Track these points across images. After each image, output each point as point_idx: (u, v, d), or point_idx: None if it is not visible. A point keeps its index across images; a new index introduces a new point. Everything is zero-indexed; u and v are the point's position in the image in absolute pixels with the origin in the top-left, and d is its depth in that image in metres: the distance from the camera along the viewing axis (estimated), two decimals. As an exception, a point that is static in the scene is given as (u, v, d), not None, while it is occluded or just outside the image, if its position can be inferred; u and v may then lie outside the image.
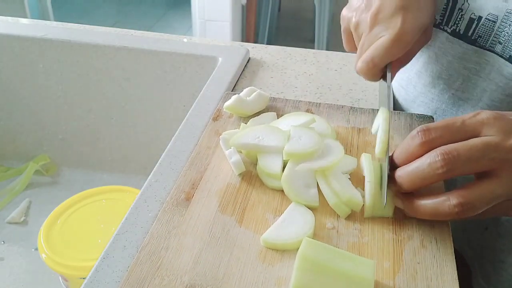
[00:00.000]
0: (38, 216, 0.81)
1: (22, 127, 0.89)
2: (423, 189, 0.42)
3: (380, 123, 0.48)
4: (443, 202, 0.39)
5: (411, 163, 0.41)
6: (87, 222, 0.68)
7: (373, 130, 0.54)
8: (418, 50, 0.52)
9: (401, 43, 0.47)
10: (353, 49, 0.54)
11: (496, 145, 0.39)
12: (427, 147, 0.41)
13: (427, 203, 0.41)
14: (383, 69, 0.50)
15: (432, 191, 0.42)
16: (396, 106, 0.70)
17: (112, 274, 0.41)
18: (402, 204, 0.43)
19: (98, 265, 0.42)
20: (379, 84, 0.58)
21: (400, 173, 0.42)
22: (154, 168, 0.52)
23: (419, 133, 0.41)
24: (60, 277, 0.67)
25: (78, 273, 0.61)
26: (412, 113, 0.58)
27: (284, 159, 0.47)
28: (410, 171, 0.41)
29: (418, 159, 0.41)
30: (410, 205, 0.42)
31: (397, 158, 0.43)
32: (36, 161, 0.88)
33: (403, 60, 0.50)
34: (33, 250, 0.75)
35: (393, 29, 0.47)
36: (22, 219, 0.80)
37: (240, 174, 0.49)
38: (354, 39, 0.53)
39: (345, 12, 0.53)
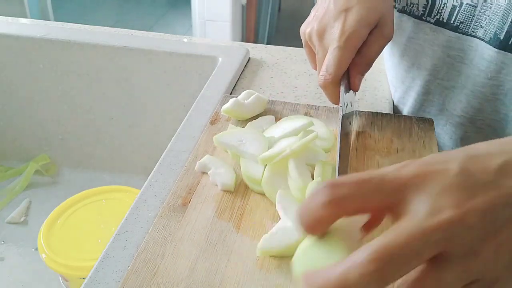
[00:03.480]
0: (38, 216, 0.81)
1: (22, 127, 0.89)
2: None
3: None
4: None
5: (336, 267, 0.27)
6: (87, 222, 0.68)
7: None
8: (377, 52, 0.50)
9: (347, 44, 0.47)
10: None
11: (432, 224, 0.26)
12: (335, 207, 0.29)
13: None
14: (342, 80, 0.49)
15: None
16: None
17: (112, 274, 0.41)
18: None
19: (98, 265, 0.42)
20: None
21: (321, 281, 0.27)
22: (154, 168, 0.52)
23: (323, 191, 0.29)
24: (60, 277, 0.67)
25: (78, 273, 0.61)
26: (411, 116, 0.58)
27: (260, 164, 0.47)
28: (334, 283, 0.26)
29: (340, 266, 0.26)
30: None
31: (301, 223, 0.30)
32: (36, 161, 0.88)
33: (361, 66, 0.50)
34: (33, 250, 0.75)
35: (336, 33, 0.47)
36: (22, 219, 0.80)
37: (236, 180, 0.48)
38: (314, 52, 0.53)
39: (303, 27, 0.53)
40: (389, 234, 0.27)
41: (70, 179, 0.88)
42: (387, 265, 0.26)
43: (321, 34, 0.49)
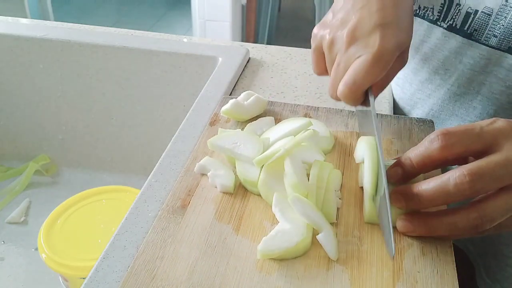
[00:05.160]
0: (38, 216, 0.81)
1: (22, 127, 0.89)
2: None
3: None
4: (462, 217, 0.39)
5: (430, 181, 0.40)
6: (87, 222, 0.68)
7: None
8: (394, 76, 0.49)
9: (382, 62, 0.44)
10: (323, 72, 0.51)
11: None
12: (447, 151, 0.40)
13: (444, 220, 0.39)
14: (365, 92, 0.47)
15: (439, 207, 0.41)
16: (393, 105, 0.70)
17: (112, 274, 0.41)
18: (412, 226, 0.41)
19: (98, 265, 0.42)
20: (357, 111, 0.54)
21: (418, 190, 0.40)
22: (154, 168, 0.52)
23: (439, 137, 0.40)
24: (60, 277, 0.67)
25: (78, 273, 0.61)
26: (411, 117, 0.58)
27: (256, 166, 0.47)
28: (431, 189, 0.39)
29: (439, 177, 0.39)
30: (424, 225, 0.40)
31: (411, 160, 0.42)
32: (36, 161, 0.88)
33: (381, 84, 0.48)
34: (33, 250, 0.75)
35: (372, 47, 0.44)
36: (22, 219, 0.80)
37: (236, 181, 0.48)
38: (326, 60, 0.49)
39: (316, 30, 0.50)
40: (482, 161, 0.38)
41: (70, 179, 0.88)
42: (478, 180, 0.37)
43: (350, 44, 0.45)
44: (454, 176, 0.38)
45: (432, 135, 0.41)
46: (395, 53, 0.45)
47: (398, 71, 0.49)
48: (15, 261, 0.73)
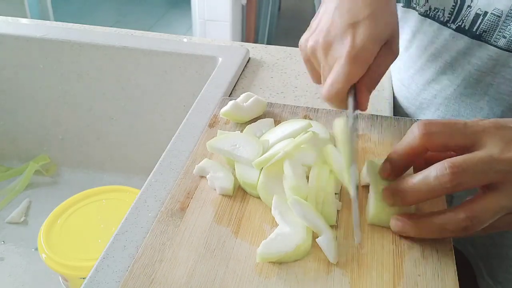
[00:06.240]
0: (38, 216, 0.81)
1: (22, 127, 0.89)
2: (427, 208, 0.41)
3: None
4: (450, 218, 0.38)
5: (414, 175, 0.40)
6: (87, 222, 0.68)
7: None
8: (386, 69, 0.48)
9: (358, 60, 0.44)
10: (320, 79, 0.51)
11: (500, 157, 0.37)
12: (426, 140, 0.40)
13: (433, 221, 0.39)
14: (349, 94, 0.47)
15: (433, 208, 0.41)
16: (396, 105, 0.70)
17: (112, 274, 0.41)
18: (403, 226, 0.41)
19: (98, 265, 0.42)
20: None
21: (402, 186, 0.40)
22: (154, 168, 0.52)
23: (418, 126, 0.40)
24: (60, 277, 0.67)
25: (78, 273, 0.61)
26: (411, 119, 0.58)
27: (256, 168, 0.46)
28: (414, 183, 0.39)
29: (422, 171, 0.39)
30: (414, 226, 0.40)
31: (395, 153, 0.42)
32: (36, 161, 0.88)
33: (369, 82, 0.47)
34: (33, 250, 0.75)
35: (345, 47, 0.44)
36: (22, 219, 0.80)
37: (235, 184, 0.47)
38: (316, 67, 0.50)
39: (302, 39, 0.50)
40: (464, 155, 0.37)
41: (70, 179, 0.88)
42: (459, 174, 0.36)
43: (327, 49, 0.46)
44: (435, 168, 0.38)
45: (413, 126, 0.41)
46: (372, 48, 0.45)
47: (391, 63, 0.48)
48: (15, 261, 0.73)
